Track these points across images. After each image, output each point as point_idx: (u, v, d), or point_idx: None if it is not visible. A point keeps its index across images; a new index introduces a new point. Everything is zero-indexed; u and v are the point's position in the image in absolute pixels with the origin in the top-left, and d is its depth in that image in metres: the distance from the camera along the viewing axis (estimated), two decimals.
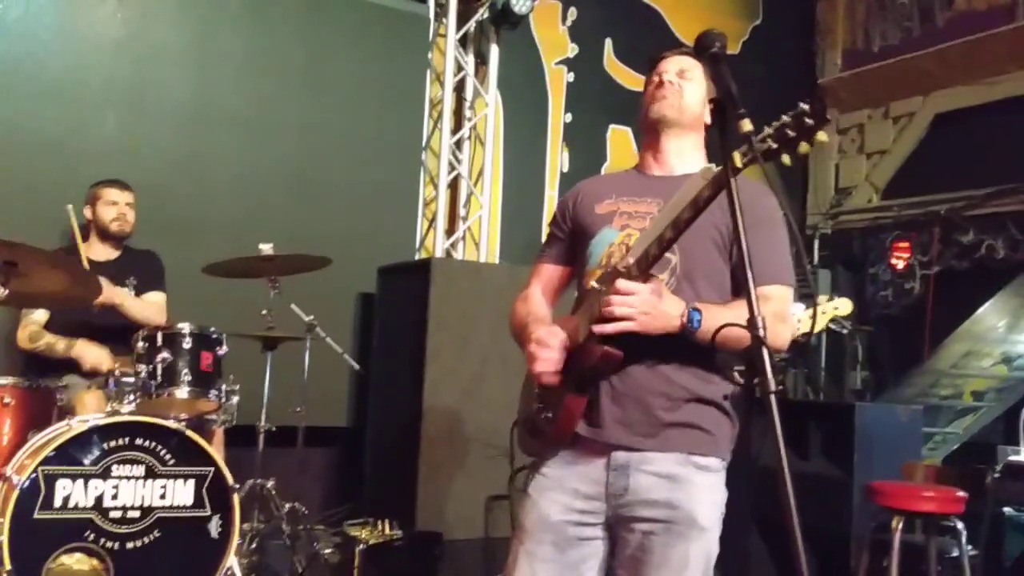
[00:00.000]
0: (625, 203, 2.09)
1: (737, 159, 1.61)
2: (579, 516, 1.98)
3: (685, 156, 2.12)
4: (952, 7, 6.60)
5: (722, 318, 1.76)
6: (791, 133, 1.58)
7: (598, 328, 1.85)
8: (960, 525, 4.17)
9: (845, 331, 6.73)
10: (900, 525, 4.20)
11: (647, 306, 1.81)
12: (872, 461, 4.85)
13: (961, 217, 6.36)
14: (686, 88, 2.12)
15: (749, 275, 1.50)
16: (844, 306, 4.34)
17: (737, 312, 1.67)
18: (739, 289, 1.96)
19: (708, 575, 1.95)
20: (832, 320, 6.57)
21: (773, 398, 1.41)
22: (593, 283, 1.95)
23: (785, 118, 1.58)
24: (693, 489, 1.94)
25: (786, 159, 1.55)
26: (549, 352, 1.96)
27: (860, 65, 7.18)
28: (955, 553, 4.23)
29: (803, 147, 1.54)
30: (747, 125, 1.55)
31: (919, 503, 4.19)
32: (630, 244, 1.97)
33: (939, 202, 6.44)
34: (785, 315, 2.00)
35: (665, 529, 1.92)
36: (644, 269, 1.83)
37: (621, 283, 1.82)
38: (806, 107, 1.56)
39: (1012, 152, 6.12)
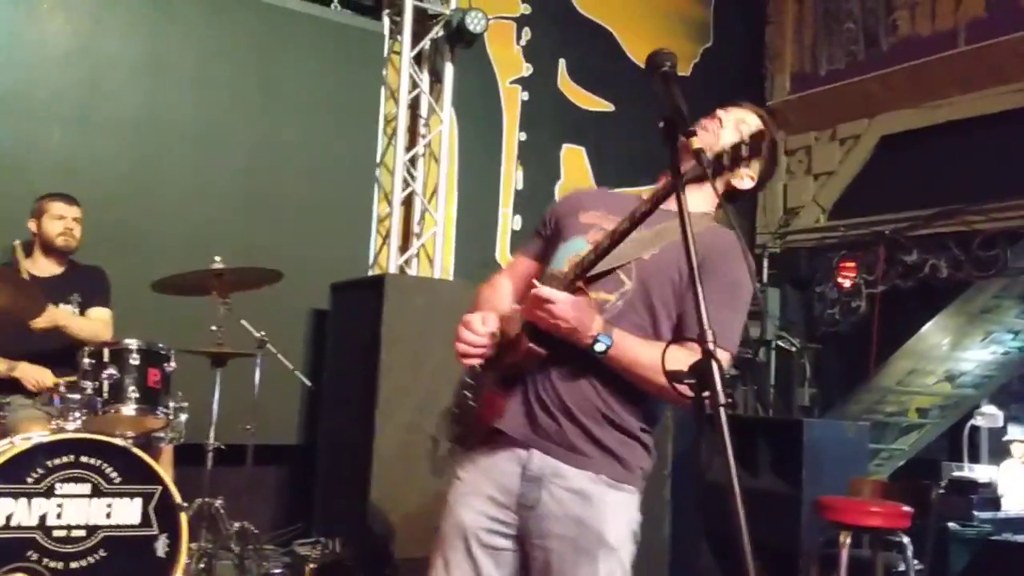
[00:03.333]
0: (604, 217, 2.06)
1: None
2: (491, 523, 1.98)
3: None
4: (896, 32, 6.78)
5: (637, 353, 1.84)
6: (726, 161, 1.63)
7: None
8: (906, 540, 4.25)
9: (794, 349, 6.85)
10: (848, 540, 4.27)
11: (562, 314, 1.85)
12: (820, 477, 4.93)
13: (905, 237, 6.50)
14: (722, 132, 2.14)
15: (699, 290, 1.51)
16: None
17: (653, 352, 1.70)
18: (682, 331, 1.95)
19: None
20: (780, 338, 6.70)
21: (723, 412, 1.42)
22: (535, 282, 1.96)
23: (726, 146, 1.61)
24: (604, 508, 1.94)
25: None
26: (473, 337, 1.97)
27: (808, 88, 7.32)
28: (902, 567, 4.31)
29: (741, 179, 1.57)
30: (696, 143, 1.58)
31: (866, 518, 4.27)
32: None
33: (884, 223, 6.57)
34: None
35: (573, 548, 1.92)
36: (578, 275, 1.87)
37: (543, 291, 1.85)
38: (745, 139, 1.57)
39: (955, 174, 6.28)
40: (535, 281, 1.94)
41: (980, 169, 6.14)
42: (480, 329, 1.98)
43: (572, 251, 2.02)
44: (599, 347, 1.85)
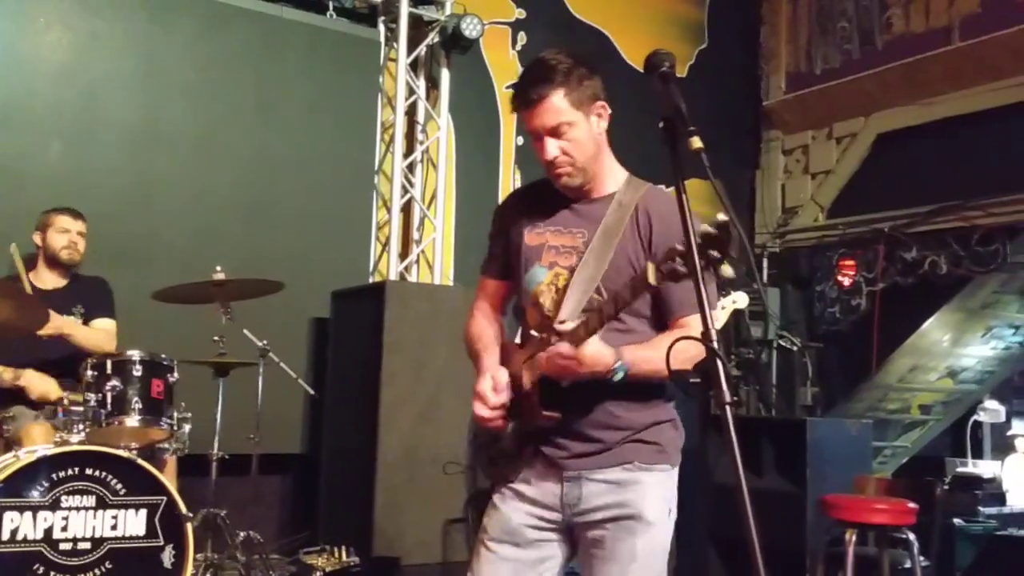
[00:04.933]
0: (552, 234, 2.13)
1: (650, 274, 1.72)
2: (537, 522, 2.08)
3: (604, 179, 2.12)
4: (891, 30, 6.79)
5: (648, 363, 1.91)
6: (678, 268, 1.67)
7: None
8: (912, 537, 4.24)
9: (795, 348, 6.85)
10: (853, 538, 4.26)
11: (588, 366, 1.90)
12: (824, 475, 4.92)
13: (904, 234, 6.51)
14: (571, 150, 2.03)
15: (704, 293, 1.52)
16: (741, 299, 4.44)
17: (661, 354, 1.73)
18: (662, 314, 2.05)
19: (661, 569, 2.04)
20: (780, 335, 6.71)
21: (729, 410, 1.43)
22: (532, 332, 2.07)
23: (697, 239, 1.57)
24: (640, 487, 2.04)
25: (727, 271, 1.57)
26: (489, 413, 2.06)
27: (803, 87, 7.33)
28: (908, 564, 4.29)
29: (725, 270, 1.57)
30: (697, 143, 1.57)
31: (871, 516, 4.26)
32: (559, 284, 2.07)
33: (883, 220, 6.58)
34: None
35: (615, 525, 2.02)
36: (584, 337, 1.88)
37: (563, 348, 1.89)
38: (711, 233, 1.55)
39: (952, 170, 6.29)
40: (532, 332, 2.07)
41: (977, 165, 6.15)
42: (494, 401, 2.06)
43: (536, 281, 2.11)
44: (617, 377, 1.92)
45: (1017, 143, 5.90)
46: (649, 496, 2.04)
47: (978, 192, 6.05)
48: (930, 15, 6.54)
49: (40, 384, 3.75)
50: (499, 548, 2.08)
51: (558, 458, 2.06)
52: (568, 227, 2.12)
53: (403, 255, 5.88)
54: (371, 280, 5.66)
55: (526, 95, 2.04)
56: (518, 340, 2.19)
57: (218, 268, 3.98)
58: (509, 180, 6.35)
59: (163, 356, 3.62)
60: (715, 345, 1.46)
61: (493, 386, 2.07)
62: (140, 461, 3.26)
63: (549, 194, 2.17)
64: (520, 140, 6.40)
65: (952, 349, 7.00)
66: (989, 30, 6.12)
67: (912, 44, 6.57)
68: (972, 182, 6.09)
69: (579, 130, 2.02)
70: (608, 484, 2.04)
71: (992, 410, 7.15)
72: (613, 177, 2.13)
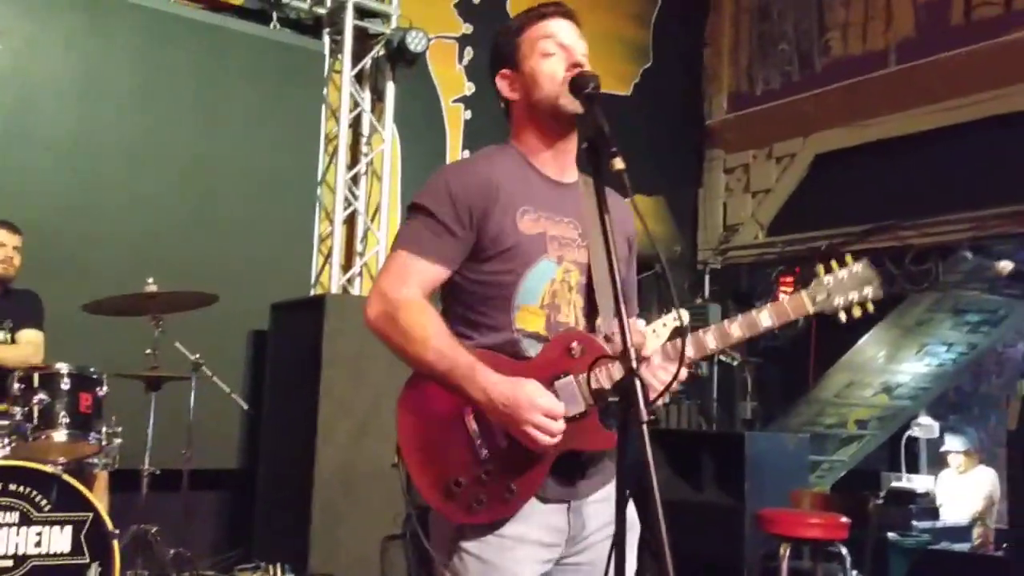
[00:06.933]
0: (547, 221, 1.84)
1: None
2: (544, 566, 1.81)
3: (572, 155, 1.94)
4: (829, 53, 6.94)
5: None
6: None
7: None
8: (844, 551, 4.31)
9: (735, 363, 6.93)
10: (787, 552, 4.32)
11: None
12: (762, 489, 4.98)
13: (840, 253, 6.61)
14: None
15: (622, 308, 1.53)
16: (683, 316, 4.49)
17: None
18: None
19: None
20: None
21: (646, 428, 1.44)
22: (574, 344, 1.77)
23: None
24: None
25: None
26: (557, 426, 1.71)
27: (744, 108, 7.46)
28: None
29: None
30: (619, 163, 1.57)
31: (805, 530, 4.32)
32: (571, 283, 1.84)
33: (820, 238, 6.70)
34: None
35: (607, 542, 1.78)
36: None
37: (684, 374, 1.71)
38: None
39: (887, 190, 6.43)
40: (573, 344, 1.78)
41: (912, 185, 6.30)
42: (557, 427, 1.70)
43: (545, 278, 1.82)
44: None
45: (950, 165, 6.06)
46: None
47: (912, 212, 6.19)
48: (867, 39, 6.70)
49: None
50: None
51: (573, 484, 1.81)
52: (558, 213, 1.86)
53: (346, 267, 5.84)
54: (312, 293, 5.61)
55: (568, 9, 1.92)
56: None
57: (150, 280, 3.92)
58: None
59: (92, 369, 3.56)
60: (634, 364, 1.47)
61: (554, 407, 1.70)
62: (66, 477, 3.18)
63: (519, 170, 1.88)
64: (467, 154, 6.40)
65: (887, 365, 7.14)
66: (924, 54, 6.29)
67: (850, 67, 6.73)
68: (906, 202, 6.23)
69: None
70: (601, 503, 1.84)
71: (926, 426, 7.30)
72: (575, 166, 1.94)
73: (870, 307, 1.97)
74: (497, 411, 1.70)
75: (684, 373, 1.70)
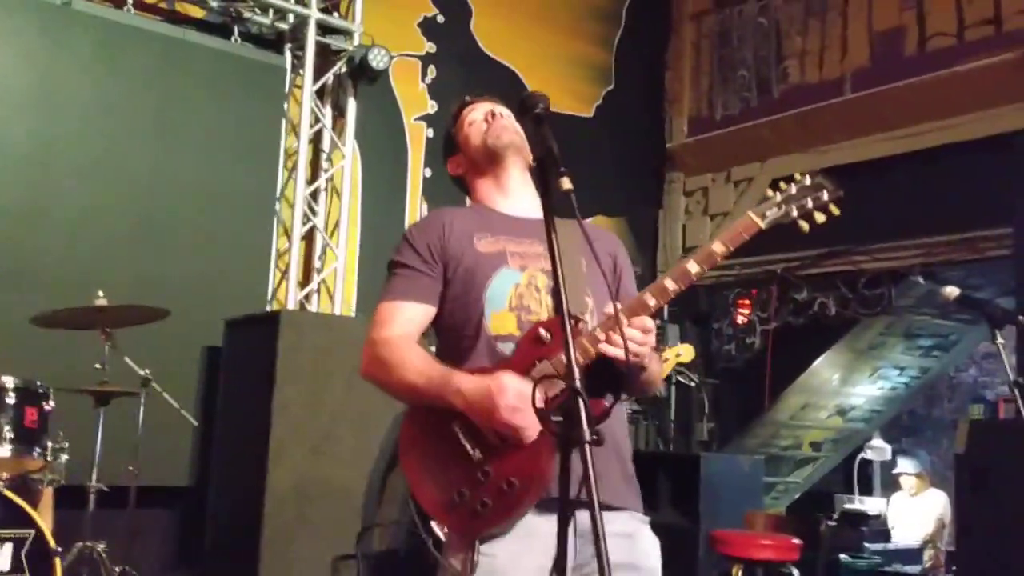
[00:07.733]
0: (507, 242, 1.98)
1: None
2: None
3: (527, 190, 2.11)
4: (787, 80, 7.05)
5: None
6: None
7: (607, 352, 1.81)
8: (796, 572, 4.36)
9: (693, 383, 6.98)
10: (740, 573, 4.35)
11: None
12: (717, 510, 5.01)
13: (796, 276, 6.72)
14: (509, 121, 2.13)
15: (568, 325, 1.54)
16: (687, 352, 4.53)
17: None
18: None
19: None
20: (678, 367, 6.82)
21: (589, 448, 1.44)
22: (542, 331, 1.84)
23: None
24: (645, 544, 1.92)
25: None
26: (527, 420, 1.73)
27: (704, 132, 7.54)
28: None
29: None
30: (567, 183, 1.58)
31: (757, 551, 4.36)
32: (539, 285, 1.93)
33: (776, 262, 6.79)
34: None
35: None
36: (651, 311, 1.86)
37: (647, 321, 1.84)
38: None
39: (842, 216, 6.50)
40: (542, 331, 1.85)
41: (866, 211, 6.34)
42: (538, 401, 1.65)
43: (509, 283, 1.93)
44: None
45: (903, 192, 6.17)
46: (653, 553, 1.91)
47: (866, 238, 6.29)
48: (824, 67, 6.82)
49: None
50: None
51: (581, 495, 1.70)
52: (520, 236, 2.00)
53: (303, 284, 5.80)
54: (269, 309, 5.56)
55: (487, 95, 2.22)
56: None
57: (100, 293, 3.85)
58: (416, 212, 6.34)
59: (39, 383, 3.50)
60: (577, 384, 1.47)
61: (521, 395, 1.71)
62: (7, 492, 3.13)
63: (473, 212, 2.12)
64: (428, 172, 6.41)
65: (841, 388, 7.24)
66: (879, 83, 6.41)
67: (806, 94, 6.84)
68: (860, 228, 6.31)
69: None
70: (619, 538, 1.73)
71: (879, 448, 7.41)
72: (534, 197, 2.07)
73: (834, 210, 1.99)
74: (475, 408, 1.77)
75: (641, 333, 1.80)
